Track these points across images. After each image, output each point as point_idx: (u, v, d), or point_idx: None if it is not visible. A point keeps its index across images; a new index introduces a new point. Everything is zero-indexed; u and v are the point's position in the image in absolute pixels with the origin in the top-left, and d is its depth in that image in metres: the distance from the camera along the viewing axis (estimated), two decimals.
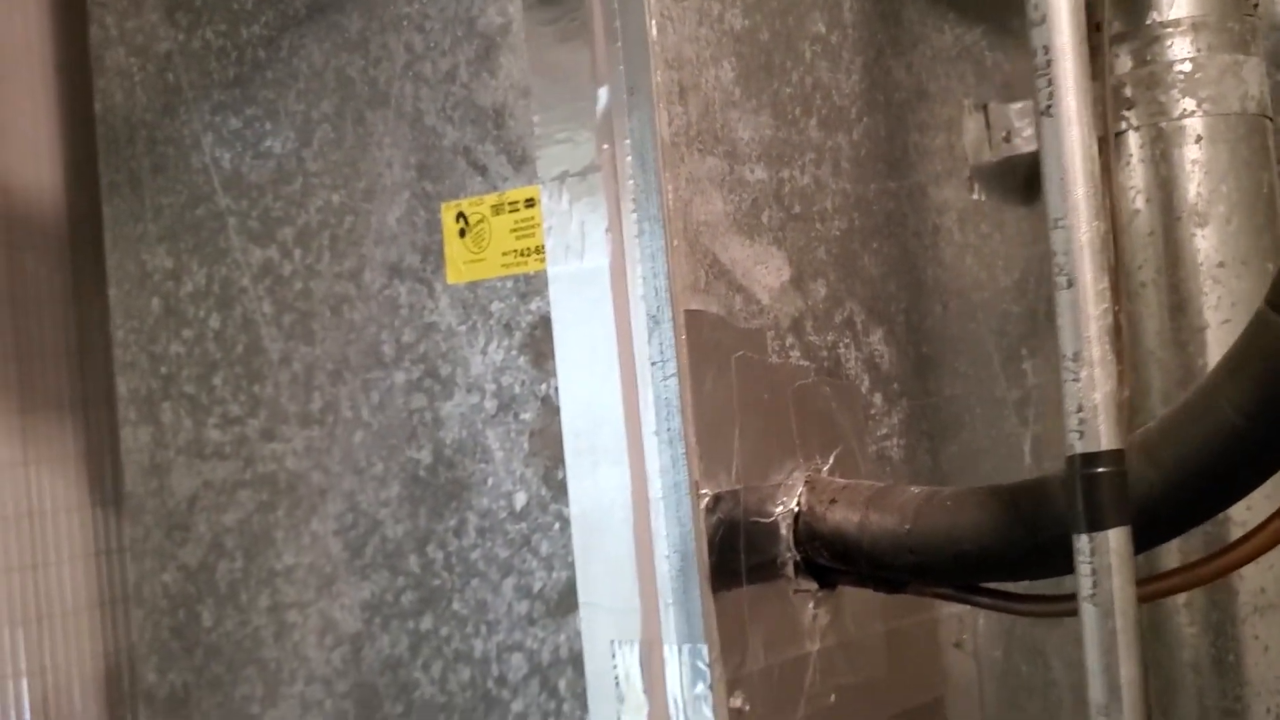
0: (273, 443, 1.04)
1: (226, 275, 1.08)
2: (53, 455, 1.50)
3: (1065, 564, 0.63)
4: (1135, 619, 0.54)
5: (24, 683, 1.45)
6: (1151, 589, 0.65)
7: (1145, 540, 0.62)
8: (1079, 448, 0.55)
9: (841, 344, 0.89)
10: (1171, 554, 0.91)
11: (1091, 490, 0.54)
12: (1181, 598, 1.06)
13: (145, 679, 1.22)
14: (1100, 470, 0.54)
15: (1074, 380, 0.54)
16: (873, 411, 0.92)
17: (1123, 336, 0.91)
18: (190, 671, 1.15)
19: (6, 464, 1.47)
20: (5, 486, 1.46)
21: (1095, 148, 0.56)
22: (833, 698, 0.84)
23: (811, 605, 0.84)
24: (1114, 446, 0.54)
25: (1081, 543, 0.55)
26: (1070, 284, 0.55)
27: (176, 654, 1.16)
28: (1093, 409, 0.54)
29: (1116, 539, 0.54)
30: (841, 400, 0.89)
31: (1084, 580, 0.55)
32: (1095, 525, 0.53)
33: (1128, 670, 0.53)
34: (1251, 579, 1.03)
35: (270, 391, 1.04)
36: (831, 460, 0.86)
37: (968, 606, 0.99)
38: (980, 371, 1.05)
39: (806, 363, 0.86)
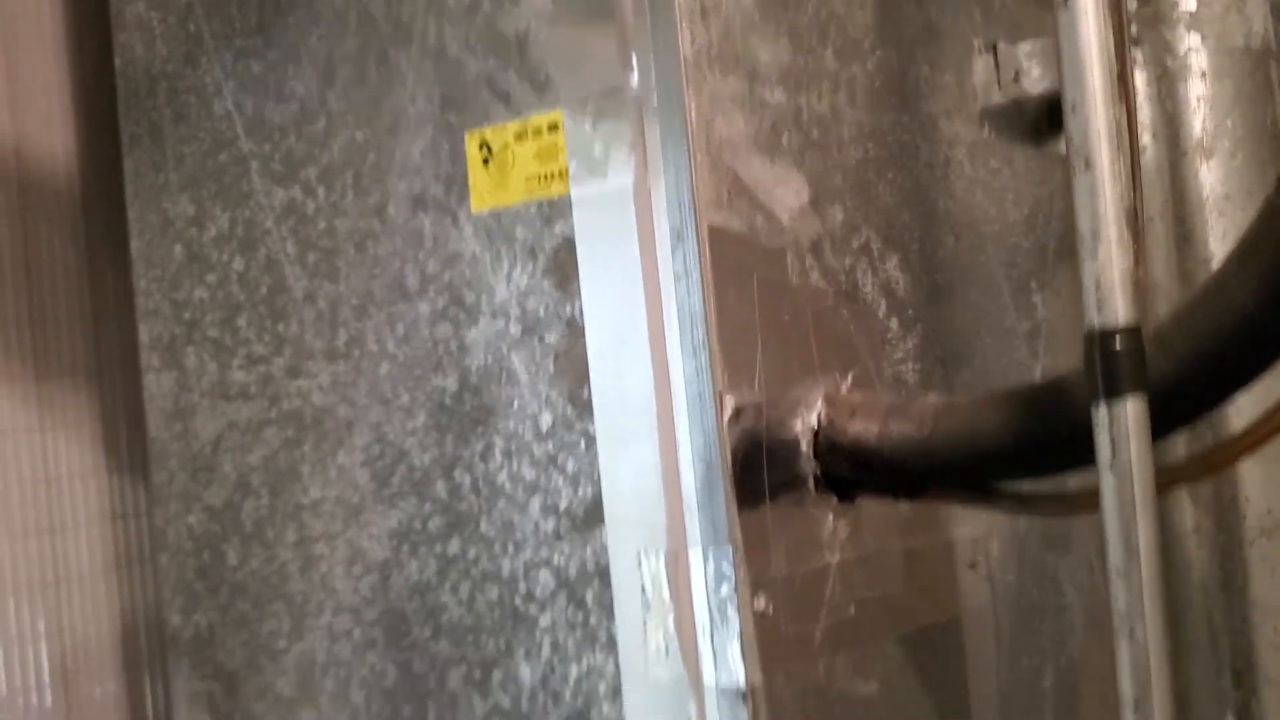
0: (298, 379, 1.06)
1: (250, 218, 1.10)
2: (68, 422, 1.52)
3: (1083, 455, 0.65)
4: (1152, 485, 0.56)
5: (43, 645, 1.47)
6: (1166, 478, 0.67)
7: (1159, 428, 0.64)
8: (1097, 322, 0.57)
9: (859, 268, 0.91)
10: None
11: (1109, 360, 0.56)
12: (1189, 522, 1.08)
13: (170, 622, 1.23)
14: (1117, 341, 0.56)
15: (1091, 259, 0.56)
16: (889, 336, 0.94)
17: (1139, 220, 0.93)
18: (215, 611, 1.17)
19: (23, 430, 1.49)
20: (22, 452, 1.48)
21: (1110, 37, 0.58)
22: (852, 609, 0.86)
23: (831, 518, 0.86)
24: (1130, 319, 0.57)
25: (1100, 413, 0.57)
26: (1088, 166, 0.56)
27: (201, 595, 1.18)
28: (1110, 285, 0.56)
29: (1134, 406, 0.56)
30: (859, 323, 0.91)
31: (1103, 451, 0.57)
32: (1113, 393, 0.56)
33: (1145, 534, 0.56)
34: (1258, 501, 1.06)
35: (295, 329, 1.06)
36: (849, 380, 0.88)
37: (982, 530, 1.01)
38: (991, 303, 1.07)
39: (825, 285, 0.88)
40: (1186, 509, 1.08)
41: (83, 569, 1.52)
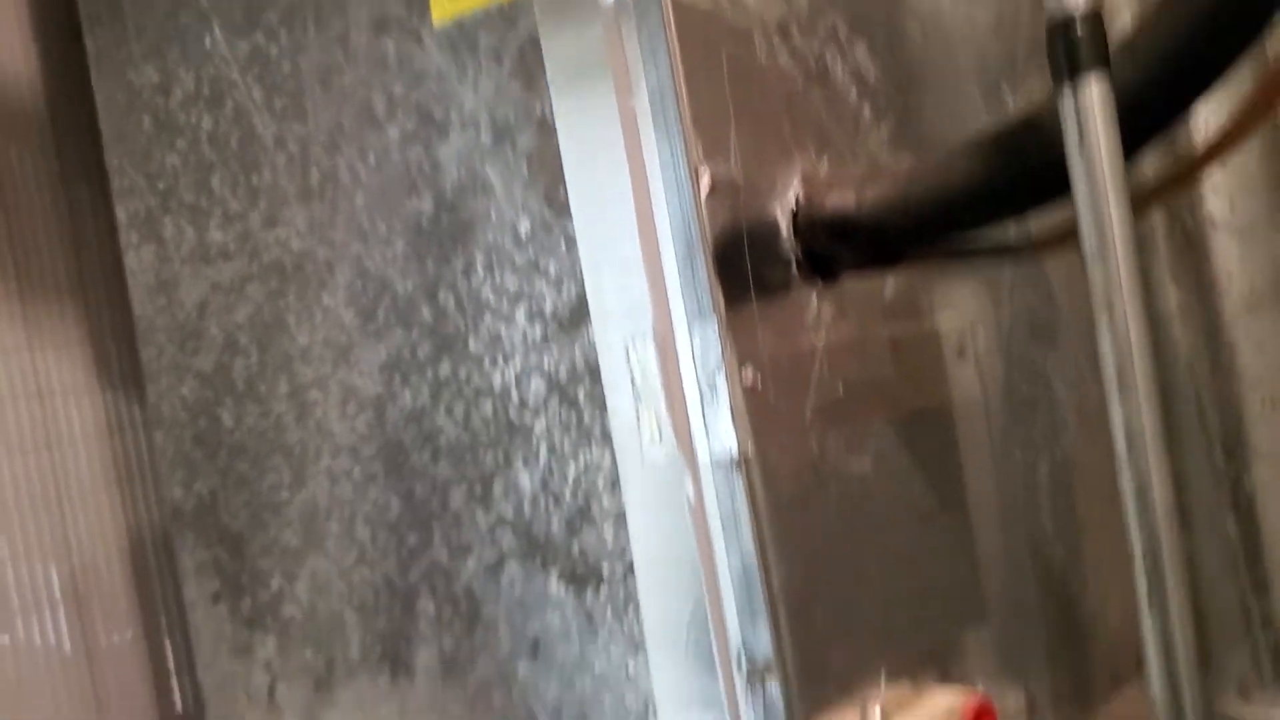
0: (276, 228, 1.06)
1: (215, 74, 1.09)
2: (56, 341, 1.52)
3: (1057, 185, 0.65)
4: (1121, 163, 0.57)
5: (51, 562, 1.48)
6: (1141, 199, 0.68)
7: (1131, 143, 0.64)
8: (1058, 11, 0.57)
9: (828, 54, 0.91)
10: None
11: (1069, 41, 0.56)
12: (1173, 304, 1.09)
13: (172, 497, 1.24)
14: (1078, 26, 0.56)
15: None
16: (861, 123, 0.94)
17: None
18: (215, 475, 1.17)
19: (12, 349, 1.49)
20: (13, 370, 1.48)
21: None
22: (841, 389, 0.87)
23: (815, 300, 0.86)
24: (1091, 3, 0.56)
25: (1065, 98, 0.57)
26: None
27: (200, 463, 1.19)
28: None
29: (1097, 82, 0.56)
30: (831, 109, 0.90)
31: (1070, 135, 0.57)
32: (1075, 71, 0.56)
33: (1117, 211, 0.56)
34: (1240, 278, 1.06)
35: (268, 178, 1.06)
36: (824, 163, 0.88)
37: (967, 320, 1.02)
38: (962, 102, 1.07)
39: (795, 68, 0.88)
40: (1170, 291, 1.08)
41: (84, 484, 1.53)
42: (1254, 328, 1.07)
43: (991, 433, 1.03)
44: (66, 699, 1.48)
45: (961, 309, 1.00)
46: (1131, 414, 0.56)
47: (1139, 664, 0.96)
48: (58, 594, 1.49)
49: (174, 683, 1.55)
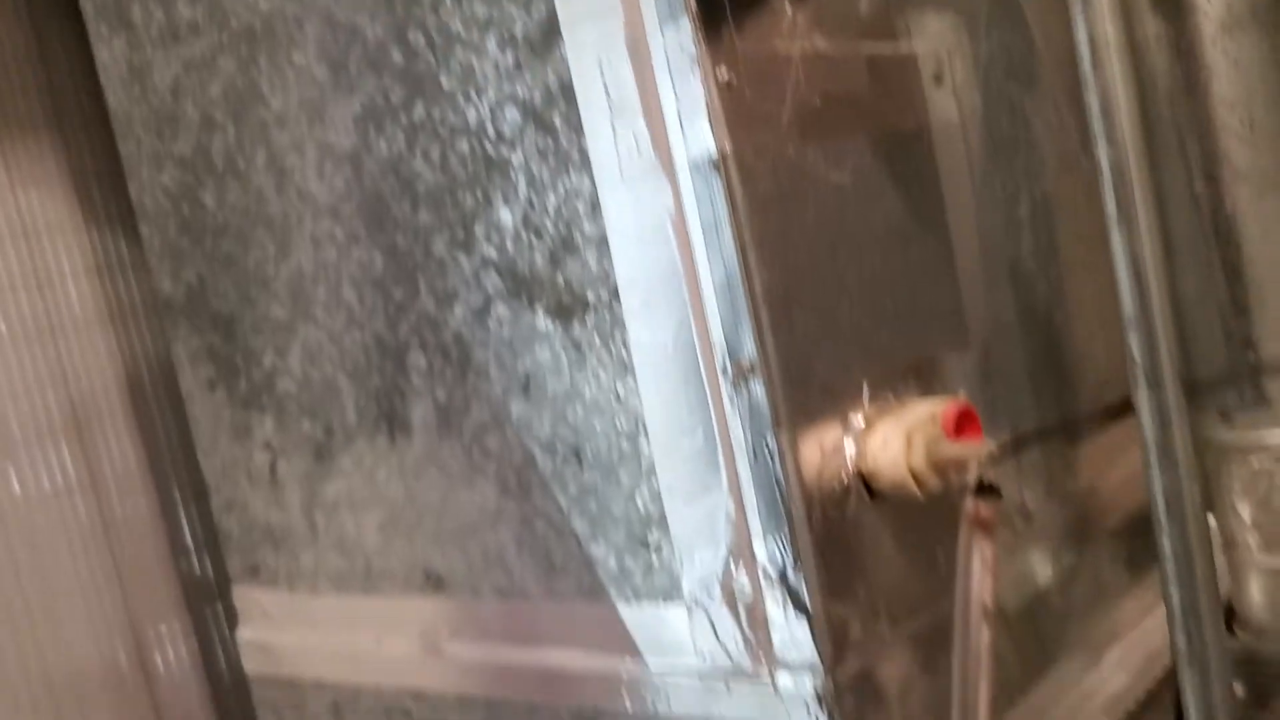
0: None
1: None
2: (38, 177, 1.51)
3: None
4: None
5: (49, 392, 1.49)
6: None
7: None
8: None
9: None
10: None
11: None
12: (1151, 30, 1.07)
13: (162, 290, 1.25)
14: None
15: None
16: None
17: None
18: (202, 260, 1.18)
19: None
20: None
21: None
22: (818, 100, 0.86)
23: (789, 7, 0.85)
24: None
25: None
26: None
27: (186, 250, 1.19)
28: None
29: None
30: None
31: None
32: None
33: None
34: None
35: None
36: None
37: (943, 46, 1.01)
38: None
39: None
40: (1149, 20, 1.07)
41: (77, 319, 1.54)
42: (1231, 48, 1.06)
43: (971, 162, 1.03)
44: (75, 526, 1.51)
45: (938, 36, 0.99)
46: (1095, 24, 0.56)
47: (1125, 403, 0.97)
48: (58, 423, 1.51)
49: (181, 512, 1.58)
